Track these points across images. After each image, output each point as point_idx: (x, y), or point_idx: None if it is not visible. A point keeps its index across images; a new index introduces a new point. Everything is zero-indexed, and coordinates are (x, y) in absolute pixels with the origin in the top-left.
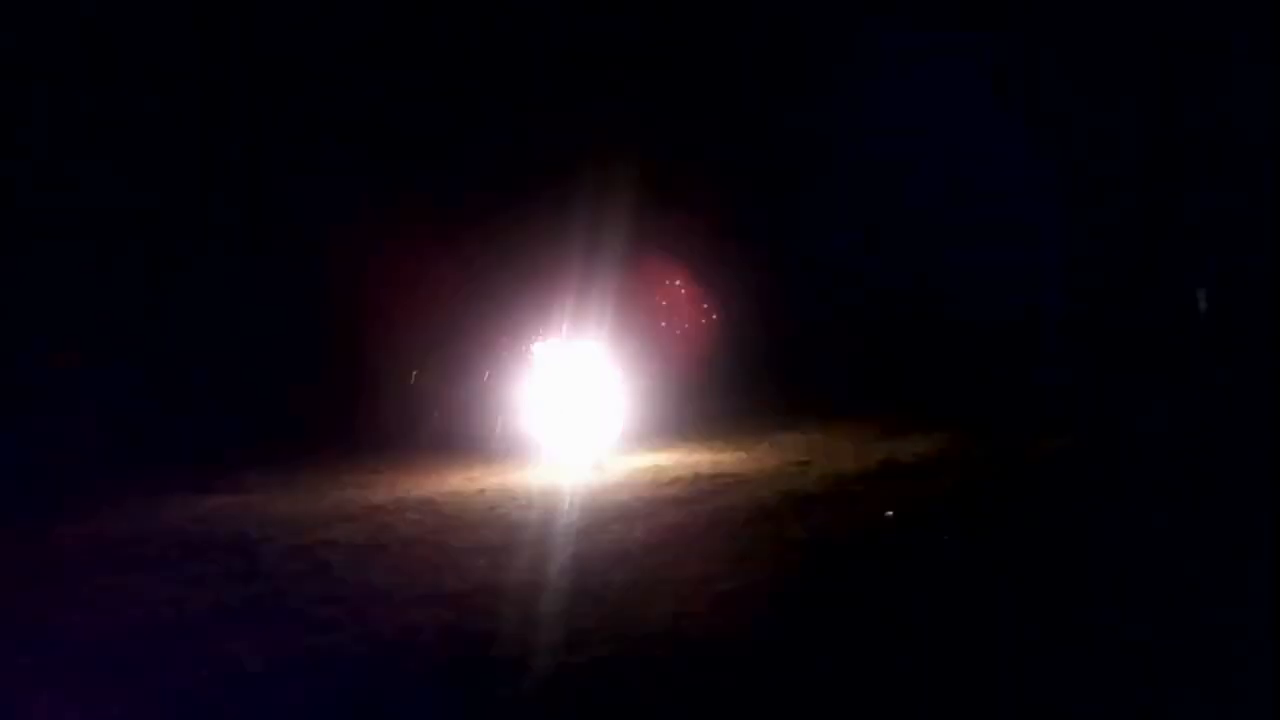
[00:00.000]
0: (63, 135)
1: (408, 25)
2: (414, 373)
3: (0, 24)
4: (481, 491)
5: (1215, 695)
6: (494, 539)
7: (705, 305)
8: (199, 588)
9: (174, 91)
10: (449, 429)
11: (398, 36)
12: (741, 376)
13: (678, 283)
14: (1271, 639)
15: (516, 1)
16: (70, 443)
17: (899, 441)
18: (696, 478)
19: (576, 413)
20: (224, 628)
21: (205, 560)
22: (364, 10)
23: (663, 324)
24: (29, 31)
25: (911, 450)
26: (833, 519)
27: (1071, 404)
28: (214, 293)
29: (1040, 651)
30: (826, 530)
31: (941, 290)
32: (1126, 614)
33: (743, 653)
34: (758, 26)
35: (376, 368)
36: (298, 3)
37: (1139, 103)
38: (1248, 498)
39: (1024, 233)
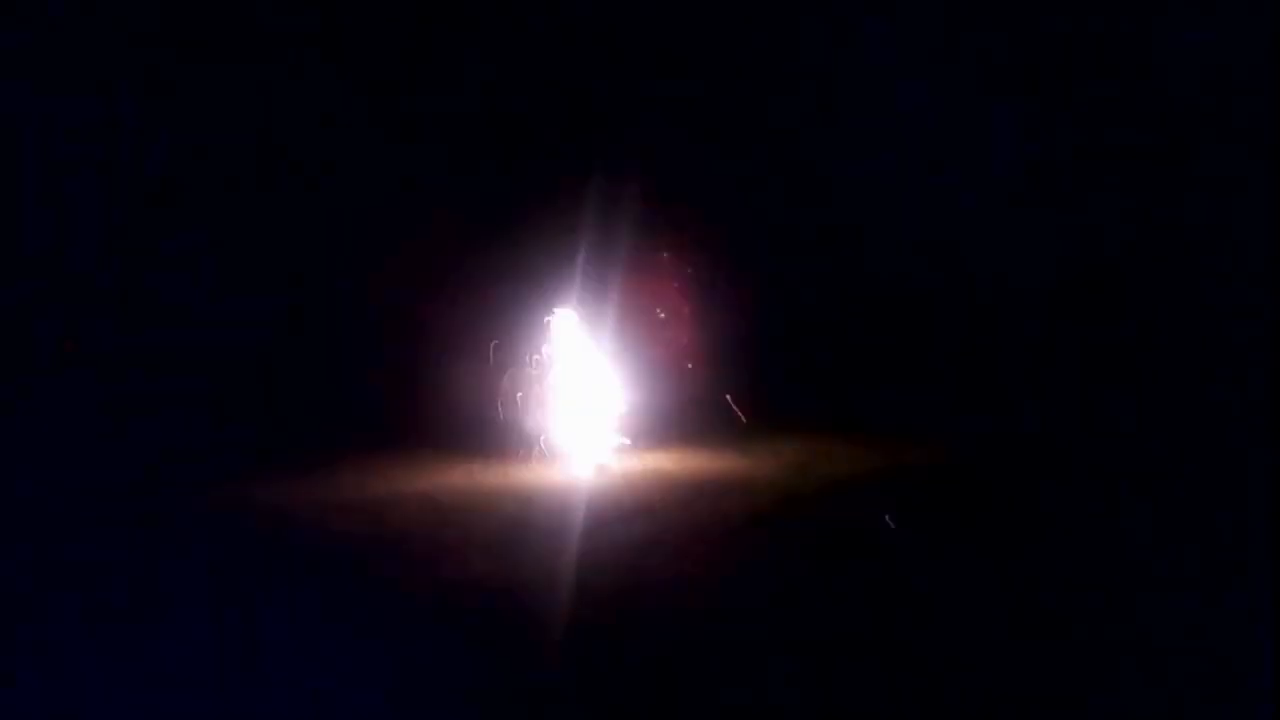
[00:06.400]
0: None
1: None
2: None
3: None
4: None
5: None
6: (492, 535)
7: (710, 309)
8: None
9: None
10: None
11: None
12: (746, 382)
13: (682, 284)
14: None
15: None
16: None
17: (903, 447)
18: (697, 480)
19: (579, 412)
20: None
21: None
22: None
23: (666, 327)
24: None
25: (916, 456)
26: (830, 522)
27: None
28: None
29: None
30: (823, 533)
31: (946, 293)
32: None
33: (741, 653)
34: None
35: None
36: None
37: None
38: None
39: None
